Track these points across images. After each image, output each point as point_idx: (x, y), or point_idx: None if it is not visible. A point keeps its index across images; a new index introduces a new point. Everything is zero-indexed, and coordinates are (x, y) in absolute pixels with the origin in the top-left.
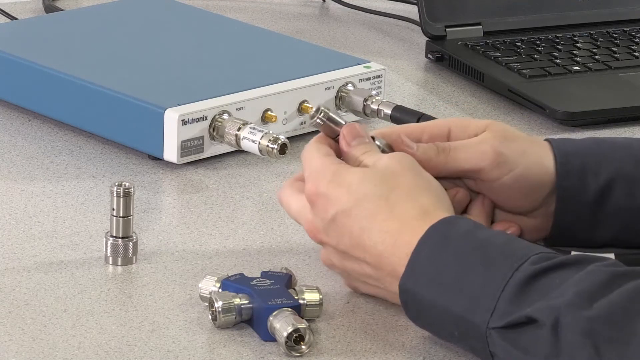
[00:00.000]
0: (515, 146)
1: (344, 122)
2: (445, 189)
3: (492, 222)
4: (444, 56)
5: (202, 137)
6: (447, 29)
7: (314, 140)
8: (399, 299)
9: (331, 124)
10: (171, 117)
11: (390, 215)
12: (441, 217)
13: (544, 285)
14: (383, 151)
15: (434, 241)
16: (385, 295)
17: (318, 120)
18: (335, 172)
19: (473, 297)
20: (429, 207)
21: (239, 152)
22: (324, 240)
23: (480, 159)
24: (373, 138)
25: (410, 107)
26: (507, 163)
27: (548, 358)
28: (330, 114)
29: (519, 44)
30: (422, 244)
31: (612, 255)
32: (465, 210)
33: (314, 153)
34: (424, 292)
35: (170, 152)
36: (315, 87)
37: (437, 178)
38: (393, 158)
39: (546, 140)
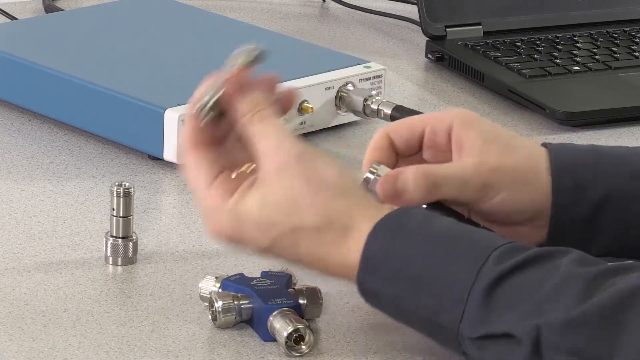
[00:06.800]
0: (503, 175)
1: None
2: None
3: None
4: (444, 56)
5: None
6: (447, 29)
7: (189, 152)
8: (360, 294)
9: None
10: (171, 117)
11: (314, 243)
12: (364, 226)
13: (513, 288)
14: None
15: (386, 236)
16: None
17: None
18: (231, 211)
19: (439, 299)
20: (347, 220)
21: None
22: (239, 245)
23: (464, 194)
24: (373, 169)
25: (410, 107)
26: (492, 190)
27: None
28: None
29: (519, 44)
30: (372, 240)
31: None
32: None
33: (197, 181)
34: (384, 289)
35: (170, 152)
36: (315, 87)
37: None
38: (285, 174)
39: (545, 147)
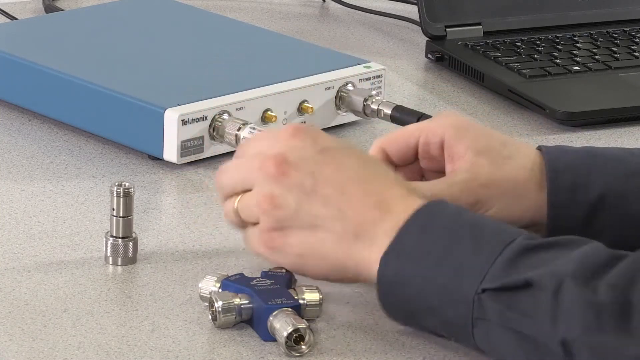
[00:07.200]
0: (495, 190)
1: None
2: None
3: None
4: (444, 56)
5: (202, 137)
6: (447, 29)
7: None
8: (377, 272)
9: None
10: (171, 117)
11: (374, 186)
12: (422, 198)
13: (539, 258)
14: None
15: (423, 220)
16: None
17: None
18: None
19: (462, 267)
20: (407, 188)
21: None
22: (288, 172)
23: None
24: None
25: (410, 107)
26: (484, 205)
27: (546, 322)
28: None
29: (519, 44)
30: (411, 222)
31: None
32: None
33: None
34: (407, 268)
35: (170, 152)
36: (315, 87)
37: None
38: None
39: (540, 150)
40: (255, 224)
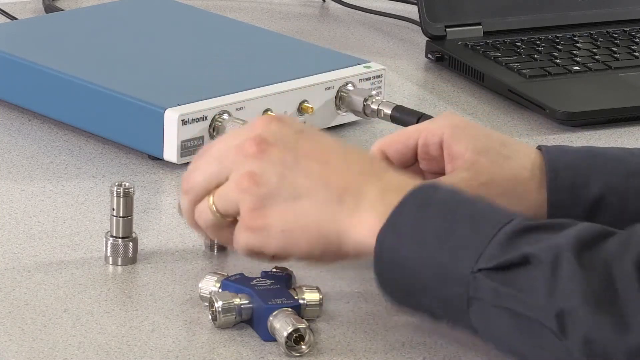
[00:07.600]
0: (494, 189)
1: None
2: None
3: None
4: (444, 56)
5: (202, 137)
6: (447, 29)
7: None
8: (374, 251)
9: None
10: (171, 117)
11: (352, 164)
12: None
13: (535, 238)
14: None
15: (419, 200)
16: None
17: None
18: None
19: (458, 247)
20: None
21: None
22: (268, 149)
23: None
24: None
25: (410, 107)
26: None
27: (542, 296)
28: None
29: (519, 44)
30: (407, 201)
31: None
32: None
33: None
34: (404, 248)
35: (170, 152)
36: (315, 87)
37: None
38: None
39: (540, 150)
40: (235, 219)
